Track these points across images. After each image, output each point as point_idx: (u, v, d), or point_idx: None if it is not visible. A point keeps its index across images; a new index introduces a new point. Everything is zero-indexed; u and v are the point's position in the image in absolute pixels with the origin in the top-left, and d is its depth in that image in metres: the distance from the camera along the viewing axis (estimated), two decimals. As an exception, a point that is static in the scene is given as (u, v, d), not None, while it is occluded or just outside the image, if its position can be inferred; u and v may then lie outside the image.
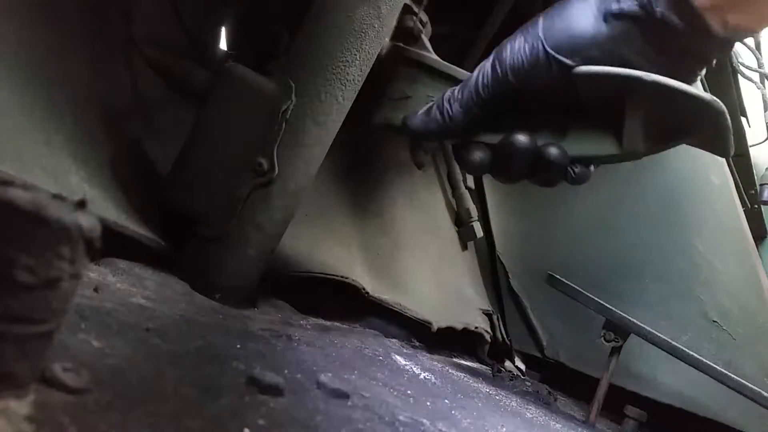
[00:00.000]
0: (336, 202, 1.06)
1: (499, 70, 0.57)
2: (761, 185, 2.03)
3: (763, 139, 1.96)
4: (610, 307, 1.14)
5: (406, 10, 0.80)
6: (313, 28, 0.73)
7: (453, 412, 0.65)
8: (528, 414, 0.87)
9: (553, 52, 0.54)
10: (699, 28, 0.50)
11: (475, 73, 0.60)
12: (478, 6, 1.16)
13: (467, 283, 1.36)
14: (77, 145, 0.66)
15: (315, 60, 0.72)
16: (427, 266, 1.21)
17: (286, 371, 0.50)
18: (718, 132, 0.52)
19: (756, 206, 2.00)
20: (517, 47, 0.56)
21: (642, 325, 1.12)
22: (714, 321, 1.30)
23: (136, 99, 0.81)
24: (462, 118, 0.62)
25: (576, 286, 1.21)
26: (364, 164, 1.16)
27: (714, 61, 0.54)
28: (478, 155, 0.62)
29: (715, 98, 0.50)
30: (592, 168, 0.60)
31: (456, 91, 0.62)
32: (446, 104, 0.62)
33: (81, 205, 0.27)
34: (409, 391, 0.64)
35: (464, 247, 1.38)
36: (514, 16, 1.18)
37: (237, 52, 0.91)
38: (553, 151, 0.57)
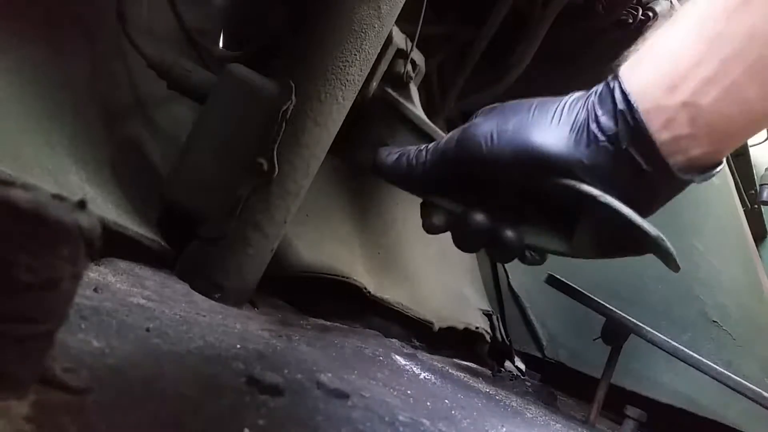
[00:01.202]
0: (336, 201, 1.06)
1: (462, 150, 0.58)
2: (761, 185, 2.03)
3: (763, 139, 1.96)
4: (610, 307, 1.14)
5: (399, 54, 0.81)
6: (313, 28, 0.73)
7: (453, 412, 0.65)
8: (528, 414, 0.87)
9: (516, 157, 0.54)
10: (660, 167, 0.51)
11: (444, 140, 0.61)
12: (478, 6, 1.16)
13: (467, 283, 1.36)
14: (77, 145, 0.66)
15: (315, 60, 0.72)
16: (427, 266, 1.21)
17: (286, 371, 0.50)
18: (663, 259, 0.54)
19: (756, 206, 2.00)
20: (484, 135, 0.56)
21: (642, 325, 1.12)
22: (714, 321, 1.30)
23: (136, 99, 0.81)
24: (424, 177, 0.63)
25: (576, 286, 1.21)
26: (354, 168, 1.16)
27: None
28: (435, 220, 0.64)
29: (660, 235, 0.52)
30: (546, 255, 0.62)
31: (425, 150, 0.63)
32: (414, 159, 0.64)
33: (81, 205, 0.27)
34: (409, 391, 0.64)
35: (464, 247, 1.38)
36: (513, 16, 1.18)
37: (237, 52, 0.91)
38: (508, 234, 0.59)
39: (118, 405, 0.30)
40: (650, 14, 1.29)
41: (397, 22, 0.79)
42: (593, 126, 0.52)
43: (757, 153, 2.01)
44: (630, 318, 1.12)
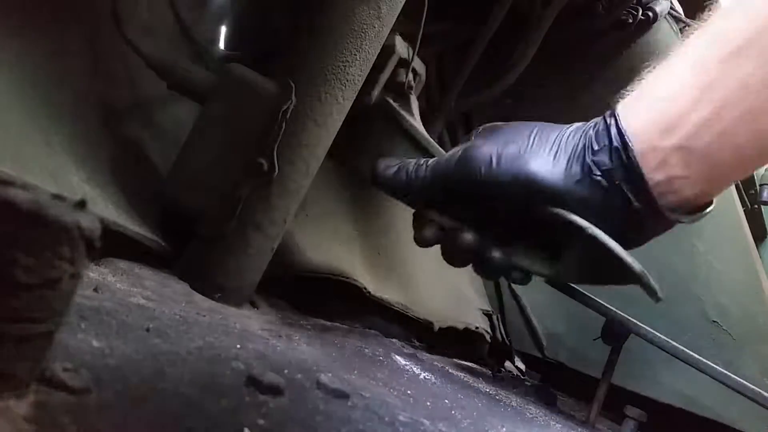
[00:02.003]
0: (337, 201, 1.06)
1: (461, 171, 0.59)
2: (761, 185, 2.03)
3: (763, 139, 1.95)
4: (610, 307, 1.13)
5: (401, 63, 0.81)
6: (312, 28, 0.73)
7: (453, 412, 0.65)
8: (528, 414, 0.87)
9: (514, 182, 0.56)
10: (651, 206, 0.52)
11: (444, 158, 0.62)
12: (478, 5, 1.16)
13: (467, 283, 1.36)
14: (77, 145, 0.66)
15: (315, 60, 0.72)
16: (427, 266, 1.21)
17: (286, 371, 0.50)
18: (647, 293, 0.56)
19: (756, 206, 2.00)
20: (484, 158, 0.58)
21: (642, 325, 1.11)
22: (714, 321, 1.30)
23: (136, 99, 0.81)
24: (422, 194, 0.65)
25: (576, 286, 1.21)
26: (353, 175, 1.16)
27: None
28: (427, 233, 0.65)
29: (643, 270, 0.54)
30: (533, 277, 0.64)
31: (424, 166, 0.64)
32: (413, 174, 0.65)
33: (81, 205, 0.27)
34: (409, 391, 0.64)
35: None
36: (513, 16, 1.18)
37: (237, 52, 0.91)
38: (496, 255, 0.61)
39: (118, 405, 0.30)
40: (650, 14, 1.30)
41: (398, 21, 0.79)
42: (588, 160, 0.54)
43: (757, 153, 2.01)
44: (630, 318, 1.12)
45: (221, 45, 0.95)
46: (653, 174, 0.51)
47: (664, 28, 1.36)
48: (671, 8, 1.36)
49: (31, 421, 0.25)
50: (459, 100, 1.24)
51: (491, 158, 0.57)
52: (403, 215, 1.20)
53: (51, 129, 0.63)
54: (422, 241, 0.66)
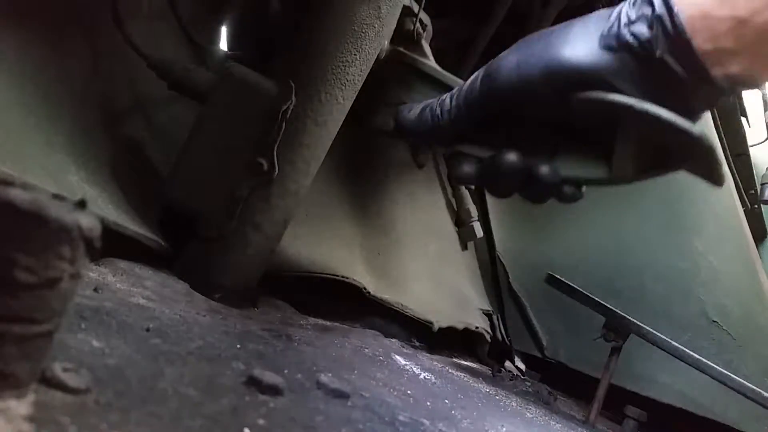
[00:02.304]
0: (337, 202, 1.06)
1: (489, 85, 0.56)
2: (761, 185, 2.02)
3: (763, 139, 1.96)
4: (610, 307, 1.14)
5: (406, 12, 0.80)
6: (313, 29, 0.73)
7: (453, 412, 0.65)
8: (528, 414, 0.87)
9: (546, 75, 0.52)
10: (699, 75, 0.49)
11: (468, 83, 0.59)
12: (478, 5, 1.16)
13: (467, 283, 1.36)
14: (77, 145, 0.66)
15: (315, 60, 0.72)
16: (427, 266, 1.21)
17: (286, 371, 0.50)
18: (708, 164, 0.51)
19: (756, 206, 2.00)
20: (510, 64, 0.54)
21: (642, 325, 1.12)
22: (714, 321, 1.30)
23: (136, 99, 0.81)
24: (451, 125, 0.60)
25: (576, 286, 1.21)
26: (364, 164, 1.16)
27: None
28: (466, 168, 0.61)
29: (704, 133, 0.49)
30: (583, 188, 0.59)
31: (448, 98, 0.61)
32: (438, 109, 0.61)
33: (81, 205, 0.27)
34: (409, 391, 0.64)
35: (464, 247, 1.38)
36: (513, 16, 1.18)
37: (237, 52, 0.91)
38: (543, 170, 0.56)
39: (118, 405, 0.30)
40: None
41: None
42: (625, 32, 0.50)
43: (757, 153, 2.01)
44: (630, 318, 1.12)
45: (221, 45, 0.95)
46: (701, 43, 0.47)
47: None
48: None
49: (31, 421, 0.25)
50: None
51: (517, 61, 0.53)
52: (403, 215, 1.21)
53: (51, 129, 0.63)
54: (462, 178, 0.62)
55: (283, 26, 0.90)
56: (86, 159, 0.66)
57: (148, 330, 0.46)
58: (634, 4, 0.51)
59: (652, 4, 0.49)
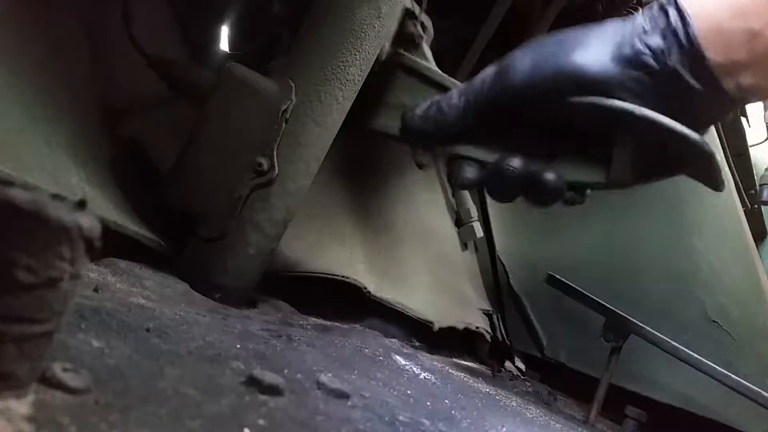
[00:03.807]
0: (336, 201, 1.06)
1: (501, 82, 0.56)
2: (761, 185, 2.03)
3: (763, 139, 1.96)
4: (610, 307, 1.14)
5: (408, 14, 0.80)
6: (313, 28, 0.73)
7: (453, 412, 0.65)
8: (528, 414, 0.87)
9: (557, 77, 0.52)
10: (712, 86, 0.49)
11: (477, 79, 0.59)
12: (478, 5, 1.16)
13: (467, 283, 1.36)
14: (77, 145, 0.66)
15: (315, 60, 0.72)
16: (427, 266, 1.21)
17: (286, 371, 0.50)
18: (708, 170, 0.52)
19: (756, 206, 2.00)
20: (523, 63, 0.54)
21: (642, 325, 1.12)
22: (714, 321, 1.30)
23: (136, 99, 0.81)
24: (457, 121, 0.60)
25: (576, 286, 1.21)
26: (364, 164, 1.16)
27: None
28: (467, 173, 0.62)
29: (704, 140, 0.50)
30: (587, 192, 0.59)
31: (455, 94, 0.61)
32: (444, 105, 0.61)
33: (81, 205, 0.27)
34: (409, 391, 0.64)
35: (464, 247, 1.38)
36: (513, 16, 1.18)
37: (237, 52, 0.91)
38: (548, 176, 0.57)
39: (118, 405, 0.30)
40: (650, 14, 1.29)
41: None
42: (638, 42, 0.50)
43: (757, 153, 2.01)
44: (630, 318, 1.12)
45: (221, 45, 0.95)
46: (714, 55, 0.48)
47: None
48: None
49: (31, 421, 0.25)
50: (459, 99, 1.23)
51: (531, 60, 0.53)
52: (403, 215, 1.21)
53: (51, 129, 0.63)
54: (464, 183, 0.62)
55: (283, 26, 0.90)
56: (86, 159, 0.66)
57: (148, 330, 0.46)
58: (649, 15, 0.51)
59: (667, 16, 0.50)
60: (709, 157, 0.50)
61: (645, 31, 0.50)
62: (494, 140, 0.59)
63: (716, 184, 0.52)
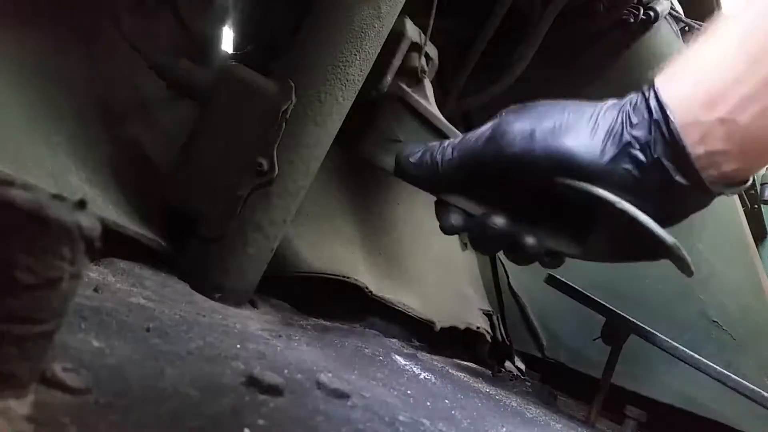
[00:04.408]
0: (337, 201, 1.06)
1: (493, 147, 0.58)
2: (761, 185, 2.03)
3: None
4: (610, 307, 1.14)
5: (413, 48, 0.80)
6: (313, 28, 0.73)
7: (453, 412, 0.65)
8: (528, 414, 0.87)
9: (547, 157, 0.54)
10: (695, 180, 0.51)
11: (471, 138, 0.61)
12: (478, 5, 1.16)
13: (467, 283, 1.36)
14: (77, 145, 0.66)
15: (315, 60, 0.72)
16: (428, 266, 1.21)
17: (286, 371, 0.50)
18: (680, 267, 0.55)
19: (756, 206, 2.00)
20: (515, 136, 0.56)
21: (642, 325, 1.12)
22: (714, 321, 1.30)
23: (136, 99, 0.81)
24: (449, 175, 0.63)
25: (576, 286, 1.21)
26: (365, 164, 1.16)
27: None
28: (453, 220, 0.64)
29: (677, 243, 0.53)
30: (564, 259, 0.62)
31: (450, 147, 0.63)
32: (438, 156, 0.63)
33: (81, 205, 0.27)
34: (409, 391, 0.64)
35: (464, 247, 1.38)
36: (513, 16, 1.18)
37: (237, 52, 0.91)
38: (528, 240, 0.59)
39: (118, 405, 0.30)
40: (651, 14, 1.29)
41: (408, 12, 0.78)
42: (626, 135, 0.52)
43: (757, 153, 2.01)
44: (630, 318, 1.12)
45: (221, 45, 0.95)
46: (694, 148, 0.50)
47: (664, 29, 1.36)
48: (671, 8, 1.36)
49: (31, 421, 0.25)
50: (458, 100, 1.24)
51: (525, 133, 0.55)
52: (404, 215, 1.21)
53: (51, 129, 0.63)
54: (449, 229, 0.65)
55: (283, 26, 0.90)
56: (86, 159, 0.66)
57: (148, 330, 0.46)
58: (634, 105, 0.54)
59: (649, 109, 0.52)
60: (681, 259, 0.54)
61: (632, 125, 0.53)
62: (482, 195, 0.62)
63: (687, 274, 0.56)
